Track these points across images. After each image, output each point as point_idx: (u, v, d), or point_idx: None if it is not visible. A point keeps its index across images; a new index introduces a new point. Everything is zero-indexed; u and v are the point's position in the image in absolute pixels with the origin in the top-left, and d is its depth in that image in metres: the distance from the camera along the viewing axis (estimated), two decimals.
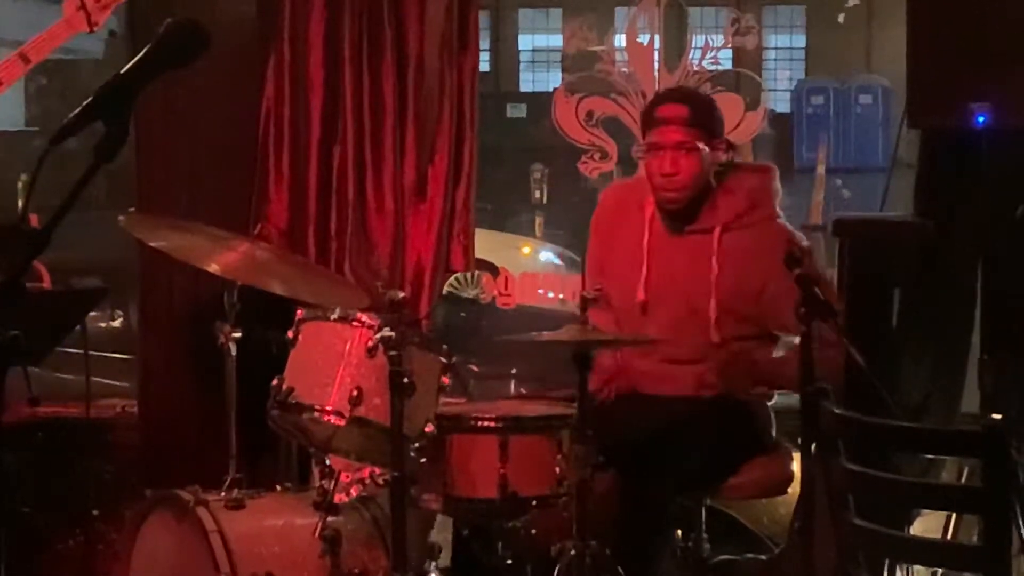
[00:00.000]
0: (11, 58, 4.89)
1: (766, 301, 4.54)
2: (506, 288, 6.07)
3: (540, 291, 6.31)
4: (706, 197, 4.66)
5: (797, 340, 3.91)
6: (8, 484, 4.82)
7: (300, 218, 5.42)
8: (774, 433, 4.73)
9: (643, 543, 4.44)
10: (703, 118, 4.64)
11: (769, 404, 4.75)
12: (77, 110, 2.16)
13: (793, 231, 4.71)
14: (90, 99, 2.17)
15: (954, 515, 4.73)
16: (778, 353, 4.58)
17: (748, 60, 8.24)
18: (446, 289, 5.89)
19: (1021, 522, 3.62)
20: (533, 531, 4.33)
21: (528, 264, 11.29)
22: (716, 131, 4.66)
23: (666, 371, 4.65)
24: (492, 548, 4.38)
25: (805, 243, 4.64)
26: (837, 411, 3.73)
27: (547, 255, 12.03)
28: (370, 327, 4.12)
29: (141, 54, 2.22)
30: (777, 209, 4.73)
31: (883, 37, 27.10)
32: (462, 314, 7.69)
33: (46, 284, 5.13)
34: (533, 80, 31.59)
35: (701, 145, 4.59)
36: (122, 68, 2.21)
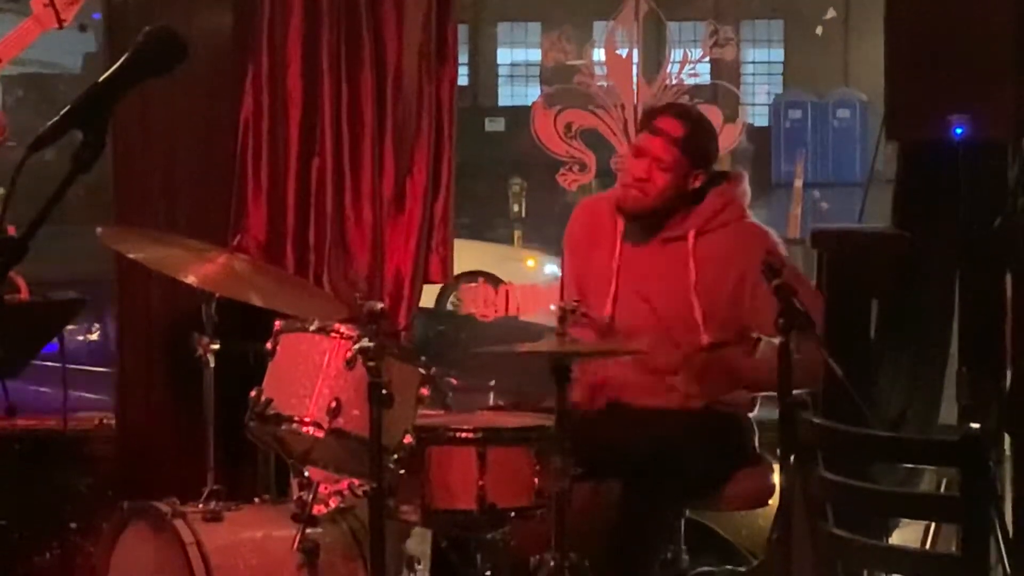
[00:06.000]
0: None
1: (744, 301, 4.55)
2: (508, 302, 6.05)
3: (539, 305, 6.22)
4: (675, 211, 4.67)
5: (777, 341, 3.93)
6: None
7: (279, 230, 5.41)
8: (757, 445, 4.74)
9: (636, 557, 4.45)
10: (694, 146, 4.66)
11: (751, 416, 4.75)
12: (55, 119, 2.16)
13: (767, 229, 4.72)
14: (68, 108, 2.16)
15: (933, 525, 4.74)
16: (760, 355, 4.59)
17: (726, 74, 8.28)
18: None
19: (999, 532, 3.63)
20: (512, 543, 4.33)
21: (533, 277, 11.26)
22: (700, 162, 4.68)
23: (652, 382, 4.64)
24: (471, 560, 4.38)
25: (778, 241, 4.68)
26: (816, 421, 3.74)
27: (552, 268, 12.02)
28: (348, 338, 4.11)
29: (119, 63, 2.22)
30: (747, 210, 4.75)
31: (860, 51, 27.16)
32: (440, 327, 7.68)
33: (24, 295, 5.11)
34: (512, 94, 31.58)
35: (679, 169, 4.61)
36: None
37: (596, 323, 4.71)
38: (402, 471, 4.12)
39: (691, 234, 4.66)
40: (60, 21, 4.86)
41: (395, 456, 4.08)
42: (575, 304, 4.36)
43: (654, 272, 4.67)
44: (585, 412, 4.55)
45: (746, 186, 4.78)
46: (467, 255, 13.98)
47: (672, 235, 4.68)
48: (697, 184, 4.68)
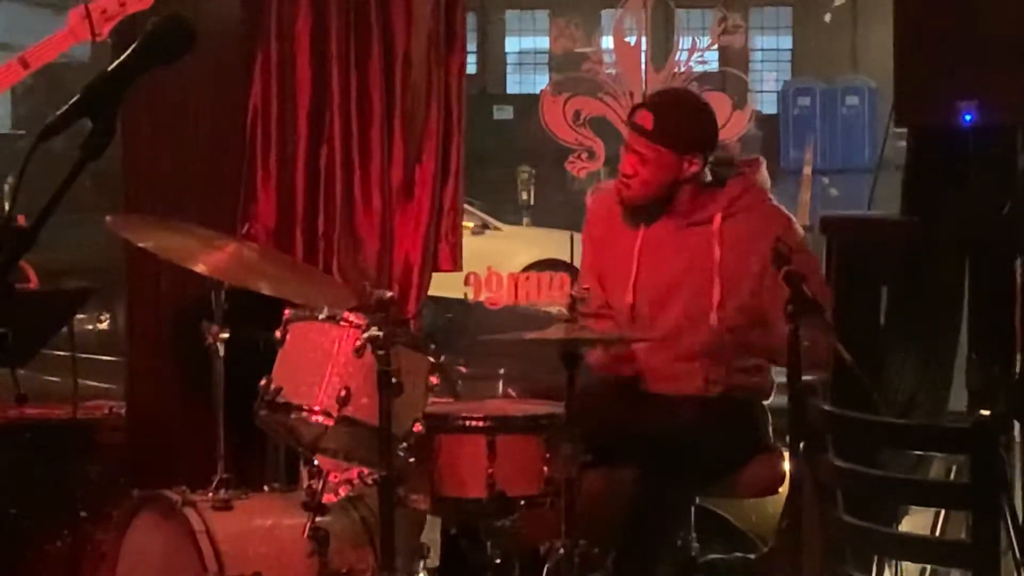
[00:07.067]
0: (11, 63, 4.86)
1: (765, 286, 4.52)
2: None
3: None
4: (674, 198, 4.63)
5: None
6: None
7: (288, 217, 5.41)
8: (771, 433, 4.73)
9: (648, 544, 4.46)
10: (669, 133, 4.57)
11: (766, 403, 4.74)
12: (64, 107, 2.15)
13: (789, 214, 4.70)
14: (78, 96, 2.16)
15: (943, 511, 4.74)
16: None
17: (735, 61, 8.26)
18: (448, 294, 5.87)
19: (1009, 518, 3.63)
20: (522, 530, 4.33)
21: None
22: (685, 146, 4.59)
23: (675, 368, 4.63)
24: (481, 547, 4.38)
25: (799, 228, 4.66)
26: (826, 408, 3.74)
27: None
28: (358, 326, 4.11)
29: (128, 51, 2.21)
30: (769, 194, 4.72)
31: (869, 37, 27.14)
32: (448, 315, 7.68)
33: (33, 284, 5.12)
34: (520, 82, 31.60)
35: (663, 159, 4.57)
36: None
37: (618, 314, 4.69)
38: (411, 459, 4.12)
39: (717, 217, 4.62)
40: (95, 36, 4.86)
41: (404, 444, 4.08)
42: (585, 292, 4.35)
43: (679, 256, 4.64)
44: (598, 398, 4.54)
45: (765, 172, 4.75)
46: (543, 243, 13.91)
47: (697, 219, 4.65)
48: (696, 167, 4.61)
